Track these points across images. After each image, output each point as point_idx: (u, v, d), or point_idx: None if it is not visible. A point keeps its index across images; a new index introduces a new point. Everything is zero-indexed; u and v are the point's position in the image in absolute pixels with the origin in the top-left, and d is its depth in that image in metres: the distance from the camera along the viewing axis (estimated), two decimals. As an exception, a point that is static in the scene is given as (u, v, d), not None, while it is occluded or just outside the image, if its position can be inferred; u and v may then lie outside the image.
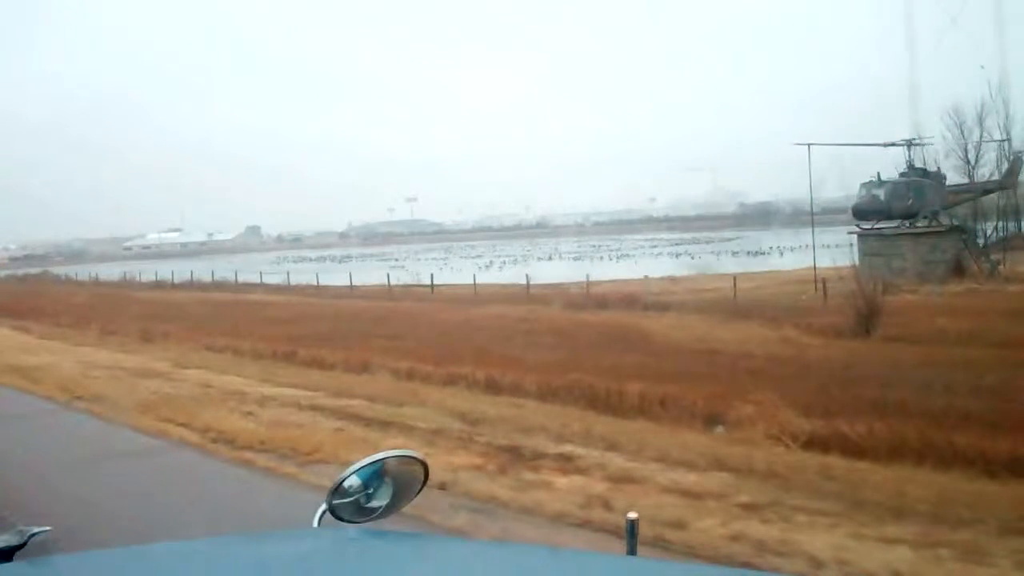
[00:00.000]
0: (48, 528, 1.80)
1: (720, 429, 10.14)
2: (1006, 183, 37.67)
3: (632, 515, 1.82)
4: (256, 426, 10.66)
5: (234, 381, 14.77)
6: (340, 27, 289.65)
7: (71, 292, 44.10)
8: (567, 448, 9.24)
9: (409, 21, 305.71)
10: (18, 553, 1.72)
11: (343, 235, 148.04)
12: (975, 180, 37.93)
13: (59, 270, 70.55)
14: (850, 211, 35.81)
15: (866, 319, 17.23)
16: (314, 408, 12.05)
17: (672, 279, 33.40)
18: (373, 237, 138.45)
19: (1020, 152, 38.08)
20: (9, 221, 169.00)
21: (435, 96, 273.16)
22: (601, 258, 62.65)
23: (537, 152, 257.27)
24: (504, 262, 63.24)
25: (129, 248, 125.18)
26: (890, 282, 26.05)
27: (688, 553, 5.88)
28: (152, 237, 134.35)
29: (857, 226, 34.94)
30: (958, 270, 31.44)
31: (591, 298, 26.14)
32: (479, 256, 74.40)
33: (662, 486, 7.77)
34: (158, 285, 48.38)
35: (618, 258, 62.60)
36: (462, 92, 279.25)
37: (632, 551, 1.80)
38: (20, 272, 72.15)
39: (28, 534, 1.76)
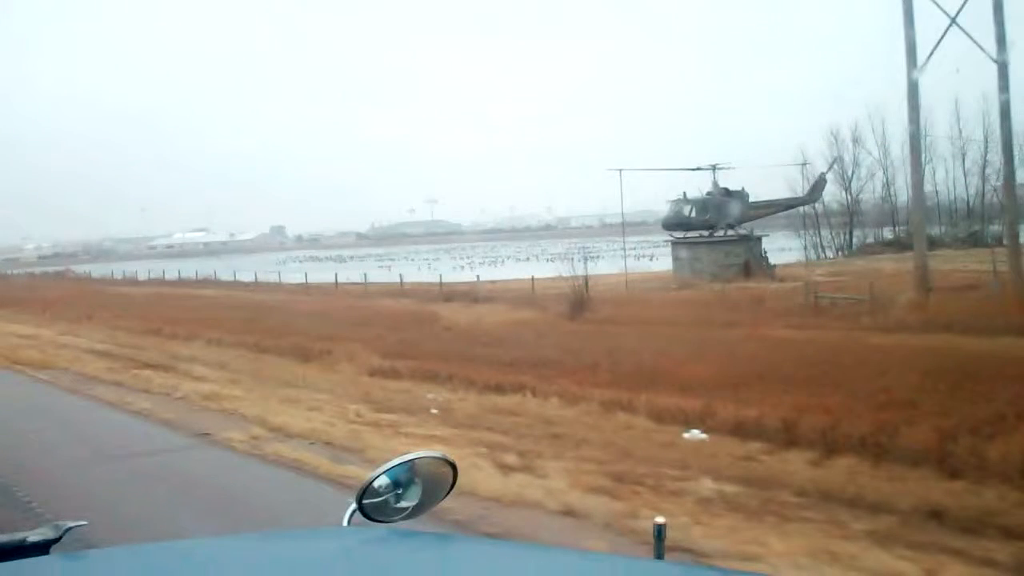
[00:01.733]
0: (84, 523, 1.84)
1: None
2: (811, 198, 45.59)
3: (660, 519, 1.83)
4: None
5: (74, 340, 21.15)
6: (365, 30, 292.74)
7: (65, 287, 46.83)
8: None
9: (433, 24, 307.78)
10: (54, 547, 1.75)
11: (361, 236, 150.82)
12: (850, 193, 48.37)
13: (82, 268, 73.01)
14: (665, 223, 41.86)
15: (575, 308, 22.58)
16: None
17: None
18: (389, 238, 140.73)
19: (824, 172, 46.49)
20: (44, 221, 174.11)
21: (459, 99, 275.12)
22: (566, 259, 64.37)
23: (557, 154, 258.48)
24: (482, 262, 65.73)
25: (154, 247, 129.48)
26: (687, 280, 33.52)
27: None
28: (177, 237, 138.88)
29: (671, 235, 40.78)
30: (747, 272, 35.48)
31: (445, 292, 30.32)
32: (466, 257, 76.81)
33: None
34: (131, 281, 52.34)
35: (584, 259, 64.43)
36: (486, 96, 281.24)
37: (660, 555, 1.82)
38: (39, 270, 74.46)
39: (64, 528, 1.79)
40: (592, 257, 66.85)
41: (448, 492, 2.08)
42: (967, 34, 21.86)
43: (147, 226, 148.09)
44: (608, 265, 45.31)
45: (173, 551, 1.90)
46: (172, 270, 54.53)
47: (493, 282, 35.78)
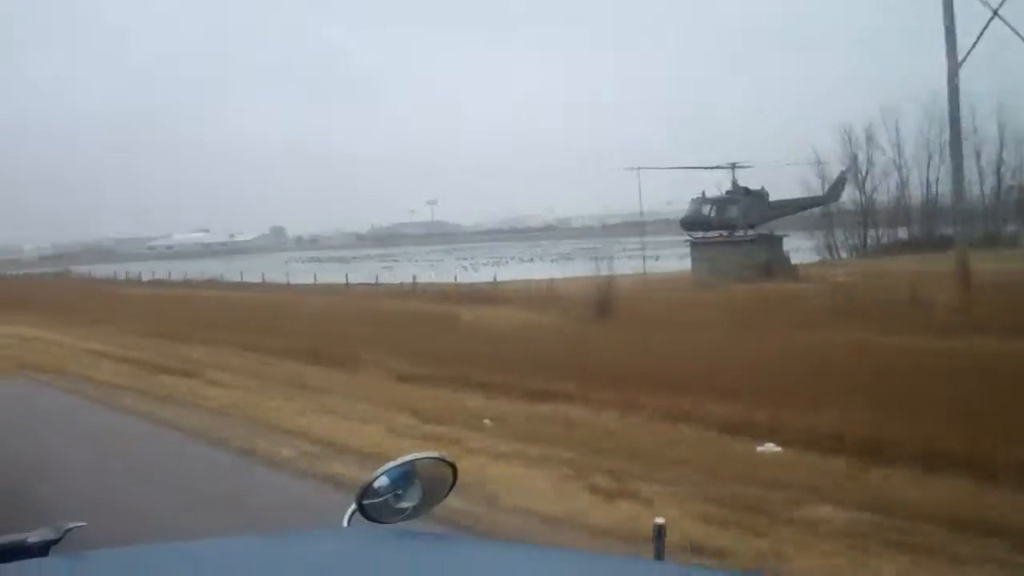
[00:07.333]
0: (83, 523, 1.82)
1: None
2: (830, 197, 44.66)
3: (659, 520, 1.83)
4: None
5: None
6: (365, 30, 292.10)
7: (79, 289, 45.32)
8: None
9: (434, 25, 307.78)
10: (54, 548, 1.75)
11: (361, 237, 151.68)
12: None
13: (83, 269, 72.37)
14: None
15: (602, 310, 22.16)
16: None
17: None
18: (389, 238, 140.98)
19: (845, 170, 46.10)
20: (43, 221, 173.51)
21: (459, 99, 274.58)
22: (575, 259, 64.53)
23: (557, 155, 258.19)
24: (487, 263, 65.43)
25: (153, 248, 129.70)
26: (707, 280, 32.46)
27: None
28: (176, 237, 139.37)
29: (689, 236, 39.79)
30: (768, 272, 34.62)
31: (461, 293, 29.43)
32: (470, 257, 77.14)
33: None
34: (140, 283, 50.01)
35: (592, 259, 63.97)
36: (486, 95, 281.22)
37: (659, 555, 1.81)
38: (38, 271, 73.93)
39: (64, 529, 1.80)
40: (600, 258, 66.83)
41: (448, 492, 2.08)
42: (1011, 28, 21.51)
43: (145, 227, 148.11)
44: (620, 266, 44.38)
45: (172, 552, 1.90)
46: (175, 271, 53.64)
47: (505, 283, 35.00)
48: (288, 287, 39.67)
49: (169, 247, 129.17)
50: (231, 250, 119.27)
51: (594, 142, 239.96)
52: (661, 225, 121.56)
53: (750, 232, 38.42)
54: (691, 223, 39.61)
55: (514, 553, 2.21)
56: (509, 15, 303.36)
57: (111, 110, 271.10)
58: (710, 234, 38.72)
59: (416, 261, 74.34)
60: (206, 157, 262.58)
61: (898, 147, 49.62)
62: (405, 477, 2.01)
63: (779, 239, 39.10)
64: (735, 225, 38.69)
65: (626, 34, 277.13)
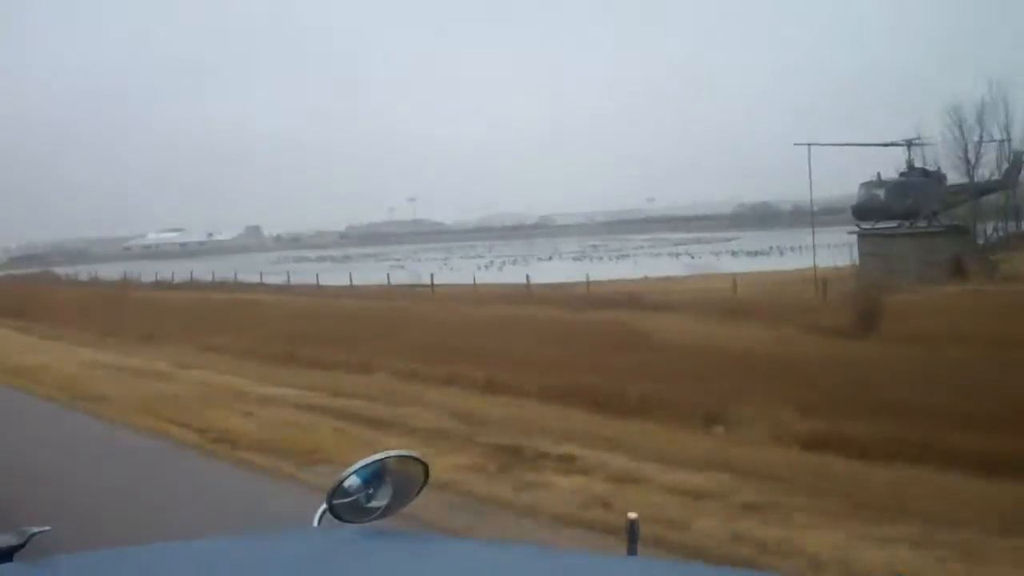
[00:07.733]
0: (48, 528, 1.75)
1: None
2: (1007, 182, 39.18)
3: (632, 515, 1.81)
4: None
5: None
6: (342, 24, 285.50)
7: (77, 293, 38.78)
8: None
9: (411, 21, 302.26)
10: (18, 553, 1.69)
11: (343, 235, 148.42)
12: (974, 180, 39.24)
13: (61, 270, 66.52)
14: (849, 211, 36.28)
15: (867, 319, 16.80)
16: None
17: (670, 279, 33.40)
18: (373, 237, 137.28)
19: (1021, 152, 39.78)
20: (10, 220, 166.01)
21: (439, 97, 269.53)
22: (601, 258, 61.54)
23: (539, 152, 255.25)
24: (503, 262, 63.08)
25: (129, 248, 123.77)
26: (889, 282, 26.25)
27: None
28: (152, 237, 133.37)
29: (857, 226, 34.84)
30: (958, 270, 30.36)
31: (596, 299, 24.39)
32: (479, 256, 74.35)
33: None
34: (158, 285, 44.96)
35: (617, 258, 61.16)
36: (466, 92, 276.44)
37: (633, 552, 1.78)
38: (16, 272, 68.11)
39: (28, 534, 1.75)
40: (622, 256, 63.06)
41: (419, 491, 2.04)
42: None
43: (117, 226, 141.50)
44: (739, 264, 39.83)
45: (139, 556, 1.86)
46: (165, 272, 48.16)
47: (610, 282, 30.31)
48: (354, 290, 34.12)
49: (147, 247, 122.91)
50: (210, 250, 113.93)
51: (578, 140, 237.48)
52: (652, 223, 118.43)
53: (934, 222, 33.58)
54: (865, 210, 34.34)
55: (486, 551, 2.15)
56: (480, 11, 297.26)
57: (77, 104, 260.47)
58: (880, 225, 33.76)
59: (420, 260, 70.06)
60: (177, 154, 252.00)
61: (1007, 129, 44.36)
62: (376, 476, 1.96)
63: (972, 231, 34.41)
64: (916, 213, 33.63)
65: (616, 24, 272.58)
